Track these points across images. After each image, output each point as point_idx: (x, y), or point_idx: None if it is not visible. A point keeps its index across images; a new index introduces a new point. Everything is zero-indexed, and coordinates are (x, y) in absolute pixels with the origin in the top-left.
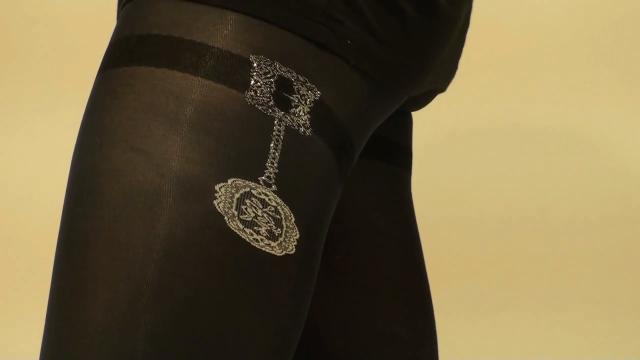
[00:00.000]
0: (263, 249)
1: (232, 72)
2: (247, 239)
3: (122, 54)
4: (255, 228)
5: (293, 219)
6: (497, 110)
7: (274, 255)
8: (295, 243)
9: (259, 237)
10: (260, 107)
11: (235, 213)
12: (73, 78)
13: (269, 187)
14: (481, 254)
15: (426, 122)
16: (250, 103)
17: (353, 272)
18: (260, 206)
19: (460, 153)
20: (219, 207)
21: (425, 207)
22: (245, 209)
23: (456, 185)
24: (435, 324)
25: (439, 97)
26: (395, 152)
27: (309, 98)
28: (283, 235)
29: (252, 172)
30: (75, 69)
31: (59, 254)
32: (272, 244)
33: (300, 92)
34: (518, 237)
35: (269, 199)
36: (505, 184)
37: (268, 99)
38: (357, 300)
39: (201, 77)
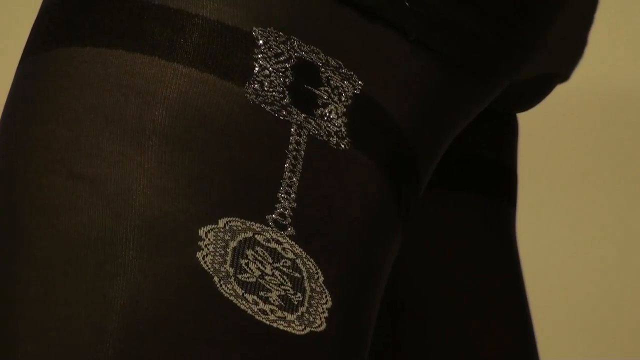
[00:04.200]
0: (274, 324)
1: (226, 54)
2: (248, 311)
3: (57, 28)
4: (261, 293)
5: (321, 279)
6: None
7: (292, 334)
8: (326, 314)
9: (267, 308)
10: (268, 108)
11: (231, 271)
12: None
13: (283, 231)
14: None
15: None
16: (254, 101)
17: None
18: (270, 260)
19: None
20: (205, 262)
21: None
22: (246, 264)
23: None
24: None
25: None
26: (492, 178)
27: (345, 92)
28: (306, 304)
29: (257, 208)
30: None
31: None
32: (289, 316)
33: (332, 82)
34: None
35: (283, 249)
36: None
37: (281, 95)
38: None
39: (177, 62)
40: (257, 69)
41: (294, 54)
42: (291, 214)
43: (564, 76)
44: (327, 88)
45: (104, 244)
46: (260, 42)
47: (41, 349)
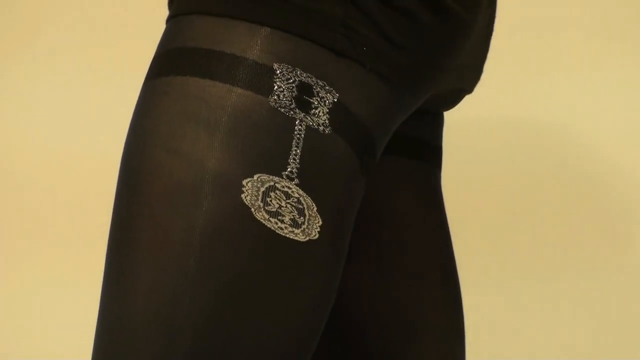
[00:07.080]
0: (287, 235)
1: (258, 79)
2: (272, 228)
3: (162, 66)
4: (279, 217)
5: (315, 208)
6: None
7: (298, 241)
8: (319, 229)
9: (283, 226)
10: (283, 110)
11: (261, 205)
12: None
13: (292, 181)
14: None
15: None
16: (274, 106)
17: (392, 257)
18: (284, 198)
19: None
20: (246, 200)
21: None
22: (270, 200)
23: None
24: (462, 309)
25: None
26: (426, 151)
27: (327, 100)
28: (306, 223)
29: (276, 168)
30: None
31: (109, 248)
32: (296, 230)
33: (320, 94)
34: (511, 236)
35: (292, 191)
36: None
37: (290, 102)
38: (395, 284)
39: (230, 84)
40: (275, 87)
41: (297, 78)
42: (296, 171)
43: (469, 90)
44: (317, 98)
45: (187, 191)
46: (278, 72)
47: (150, 256)
